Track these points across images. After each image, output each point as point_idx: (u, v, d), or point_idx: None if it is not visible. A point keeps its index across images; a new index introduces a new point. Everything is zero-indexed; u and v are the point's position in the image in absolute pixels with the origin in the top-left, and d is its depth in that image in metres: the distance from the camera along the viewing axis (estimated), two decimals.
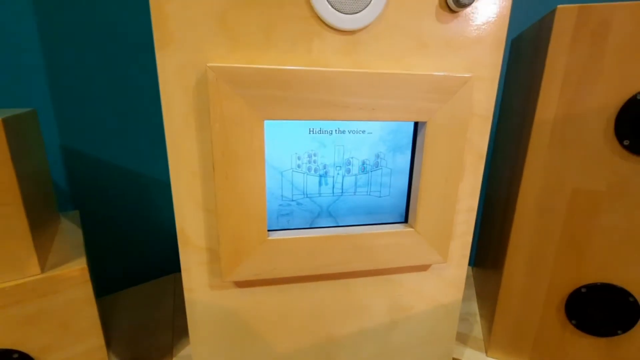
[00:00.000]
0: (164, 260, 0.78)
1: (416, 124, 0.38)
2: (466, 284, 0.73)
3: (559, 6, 0.39)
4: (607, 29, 0.38)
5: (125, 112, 0.66)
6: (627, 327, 0.47)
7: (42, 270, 0.43)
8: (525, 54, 0.51)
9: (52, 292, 0.43)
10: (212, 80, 0.29)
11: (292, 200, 0.37)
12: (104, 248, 0.72)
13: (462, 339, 0.58)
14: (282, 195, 0.37)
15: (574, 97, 0.41)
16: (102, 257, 0.73)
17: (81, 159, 0.66)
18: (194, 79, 0.30)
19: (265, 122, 0.33)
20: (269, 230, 0.37)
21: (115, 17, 0.61)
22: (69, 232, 0.54)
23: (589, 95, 0.40)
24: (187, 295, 0.37)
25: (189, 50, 0.30)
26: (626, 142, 0.40)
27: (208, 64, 0.29)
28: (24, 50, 0.58)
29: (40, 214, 0.47)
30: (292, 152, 0.35)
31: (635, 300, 0.45)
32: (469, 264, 0.79)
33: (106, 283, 0.74)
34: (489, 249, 0.63)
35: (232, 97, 0.30)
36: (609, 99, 0.40)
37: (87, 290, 0.45)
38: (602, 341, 0.49)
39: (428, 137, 0.36)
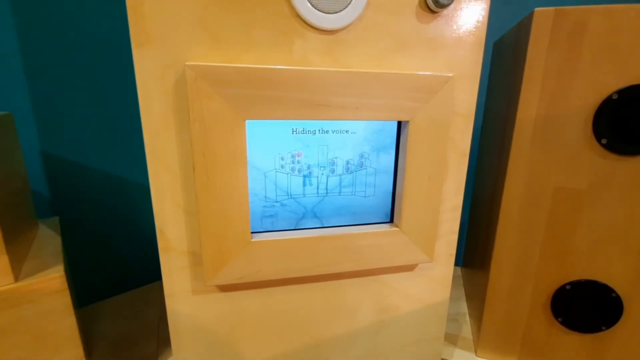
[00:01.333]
0: (148, 267, 0.76)
1: (399, 124, 0.38)
2: (455, 284, 0.73)
3: (536, 9, 0.40)
4: (582, 31, 0.39)
5: (107, 115, 0.64)
6: (610, 322, 0.47)
7: (16, 279, 0.41)
8: (506, 56, 0.51)
9: (26, 302, 0.41)
10: (191, 79, 0.28)
11: (276, 202, 0.36)
12: (86, 255, 0.70)
13: (452, 339, 0.58)
14: (265, 197, 0.36)
15: (553, 97, 0.41)
16: (84, 264, 0.70)
17: (62, 164, 0.64)
18: (173, 79, 0.30)
19: (247, 122, 0.32)
20: (252, 232, 0.36)
21: (96, 19, 0.60)
22: (47, 239, 0.52)
23: (567, 96, 0.41)
24: (168, 301, 0.36)
25: (167, 49, 0.29)
26: (604, 141, 0.41)
27: (186, 63, 0.28)
28: (2, 53, 0.56)
29: (16, 220, 0.45)
30: (275, 152, 0.35)
31: (618, 296, 0.46)
32: (458, 265, 0.79)
33: (88, 291, 0.71)
34: (476, 249, 0.63)
35: (211, 96, 0.29)
36: (586, 99, 0.41)
37: (64, 300, 0.43)
38: (587, 337, 0.49)
39: (411, 137, 0.36)
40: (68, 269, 0.55)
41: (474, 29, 0.36)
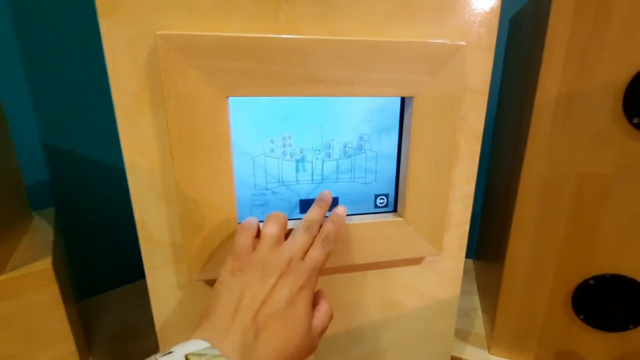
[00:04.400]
0: None
1: (403, 101, 0.34)
2: (467, 277, 0.70)
3: None
4: None
5: (105, 105, 0.63)
6: (638, 320, 0.44)
7: (1, 272, 0.39)
8: (524, 31, 0.47)
9: (13, 295, 0.40)
10: (163, 51, 0.25)
11: (267, 189, 0.33)
12: (87, 247, 0.70)
13: (463, 335, 0.55)
14: (254, 184, 0.33)
15: (578, 73, 0.38)
16: (86, 256, 0.70)
17: (61, 155, 0.64)
18: (145, 52, 0.27)
19: (231, 100, 0.29)
20: (240, 223, 0.33)
21: (94, 7, 0.58)
22: (40, 231, 0.51)
23: (594, 71, 0.38)
24: (152, 297, 0.33)
25: (138, 18, 0.26)
26: (636, 120, 0.38)
27: (157, 32, 0.25)
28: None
29: (4, 212, 0.43)
30: (264, 134, 0.32)
31: None
32: (471, 257, 0.76)
33: (91, 284, 0.71)
34: (490, 240, 0.60)
35: (187, 70, 0.26)
36: (616, 75, 0.37)
37: (53, 293, 0.42)
38: (612, 336, 0.46)
39: (416, 115, 0.32)
40: (64, 260, 0.53)
41: None
